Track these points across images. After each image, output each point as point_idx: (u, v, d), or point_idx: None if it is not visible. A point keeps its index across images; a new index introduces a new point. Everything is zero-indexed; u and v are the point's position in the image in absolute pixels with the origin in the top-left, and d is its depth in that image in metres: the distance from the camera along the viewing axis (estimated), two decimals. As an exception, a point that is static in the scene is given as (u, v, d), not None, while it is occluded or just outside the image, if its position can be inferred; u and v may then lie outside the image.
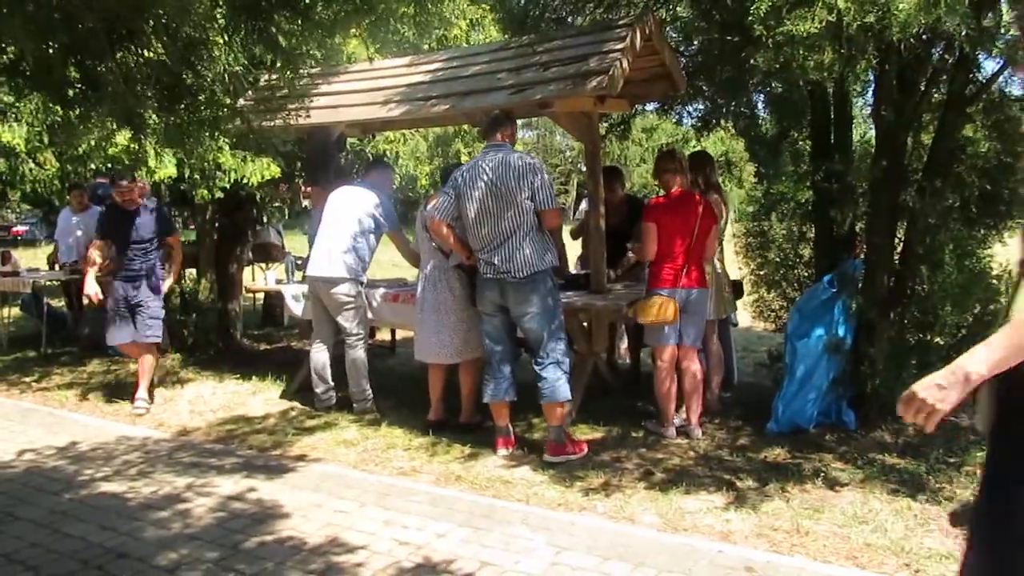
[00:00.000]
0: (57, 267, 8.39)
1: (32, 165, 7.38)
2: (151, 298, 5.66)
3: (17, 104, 3.83)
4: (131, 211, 5.64)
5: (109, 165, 6.07)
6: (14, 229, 25.27)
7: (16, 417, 5.48)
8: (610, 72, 4.41)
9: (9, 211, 24.81)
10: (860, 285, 4.56)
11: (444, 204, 4.43)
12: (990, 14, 3.36)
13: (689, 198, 4.61)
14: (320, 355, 5.40)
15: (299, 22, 2.89)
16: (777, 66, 3.38)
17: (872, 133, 5.08)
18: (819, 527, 3.37)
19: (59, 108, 3.20)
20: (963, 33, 3.10)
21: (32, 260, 11.18)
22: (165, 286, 5.89)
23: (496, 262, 4.26)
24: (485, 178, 4.26)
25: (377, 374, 5.67)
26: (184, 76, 3.03)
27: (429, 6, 2.92)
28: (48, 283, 8.39)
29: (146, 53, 2.99)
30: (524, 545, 3.26)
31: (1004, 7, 2.89)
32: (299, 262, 6.44)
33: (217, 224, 7.65)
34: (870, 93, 4.87)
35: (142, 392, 5.64)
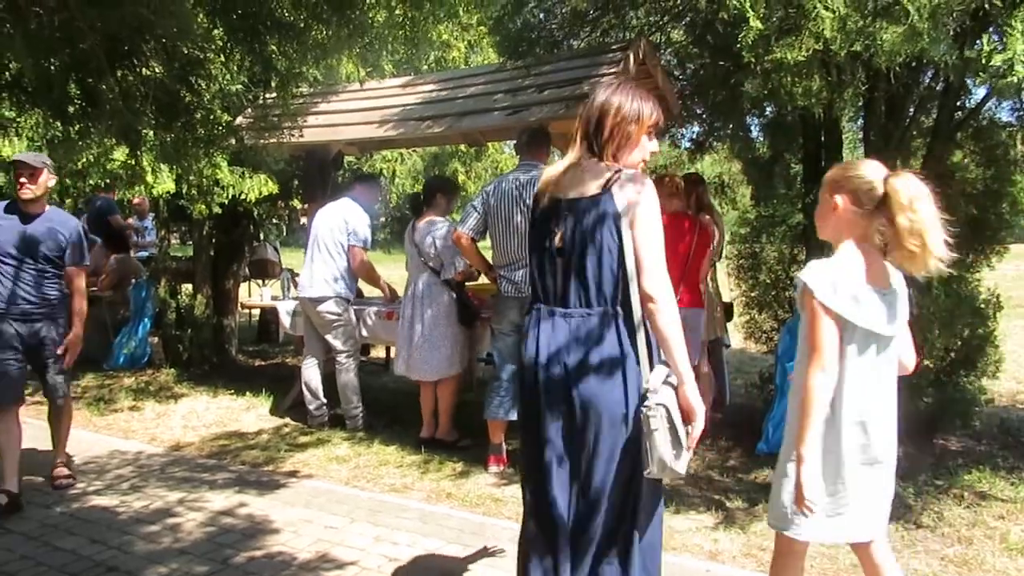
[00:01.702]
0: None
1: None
2: (55, 343, 4.12)
3: (18, 119, 3.88)
4: (32, 213, 4.04)
5: (107, 181, 6.11)
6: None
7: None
8: (604, 95, 4.47)
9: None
10: (850, 308, 4.59)
11: (470, 218, 4.44)
12: (976, 43, 3.43)
13: (681, 221, 4.68)
14: (311, 372, 5.42)
15: (294, 44, 2.95)
16: (766, 92, 3.45)
17: (862, 156, 5.15)
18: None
19: (59, 124, 3.25)
20: (948, 63, 3.16)
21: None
22: (67, 355, 4.16)
23: (519, 281, 4.28)
24: (515, 197, 4.29)
25: (370, 391, 5.69)
26: (181, 94, 3.09)
27: (419, 31, 2.98)
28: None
29: (144, 71, 3.05)
30: (513, 563, 3.27)
31: (985, 38, 2.96)
32: (295, 278, 6.48)
33: (214, 240, 7.69)
34: (861, 119, 4.94)
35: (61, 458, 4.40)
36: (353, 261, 5.33)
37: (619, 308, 2.16)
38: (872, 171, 2.15)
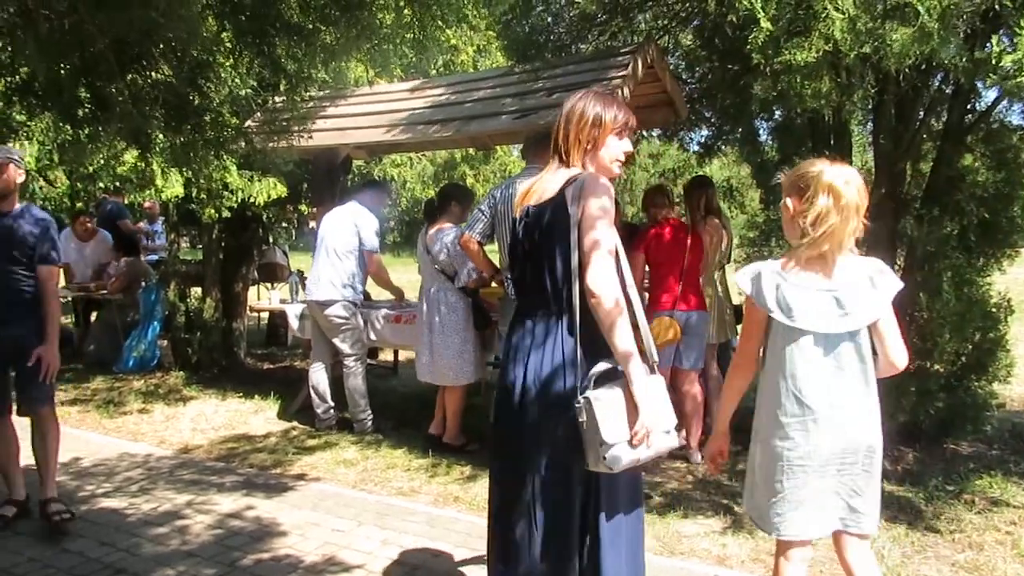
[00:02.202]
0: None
1: (43, 183, 7.49)
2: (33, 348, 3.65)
3: (29, 123, 3.90)
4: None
5: (117, 184, 6.14)
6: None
7: (18, 432, 5.49)
8: (612, 98, 4.47)
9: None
10: (860, 311, 4.57)
11: (477, 223, 4.43)
12: (987, 45, 3.42)
13: (677, 228, 4.71)
14: (319, 375, 5.43)
15: (302, 46, 2.96)
16: (775, 94, 3.44)
17: (871, 160, 5.13)
18: (815, 553, 3.36)
19: (69, 127, 3.26)
20: (958, 65, 3.14)
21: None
22: (47, 353, 3.65)
23: None
24: None
25: (379, 394, 5.69)
26: (191, 97, 3.09)
27: (428, 33, 2.99)
28: (55, 300, 8.45)
29: (154, 75, 3.06)
30: (520, 566, 3.26)
31: (995, 39, 2.94)
32: (304, 282, 6.49)
33: (223, 243, 7.71)
34: (871, 122, 4.92)
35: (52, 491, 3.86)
36: (370, 267, 5.40)
37: (565, 307, 2.22)
38: (812, 166, 2.15)
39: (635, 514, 2.34)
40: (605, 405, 2.10)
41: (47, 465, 3.86)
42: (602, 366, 2.16)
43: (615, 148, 2.31)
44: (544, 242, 2.26)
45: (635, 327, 2.19)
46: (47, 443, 3.89)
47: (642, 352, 2.20)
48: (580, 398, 2.13)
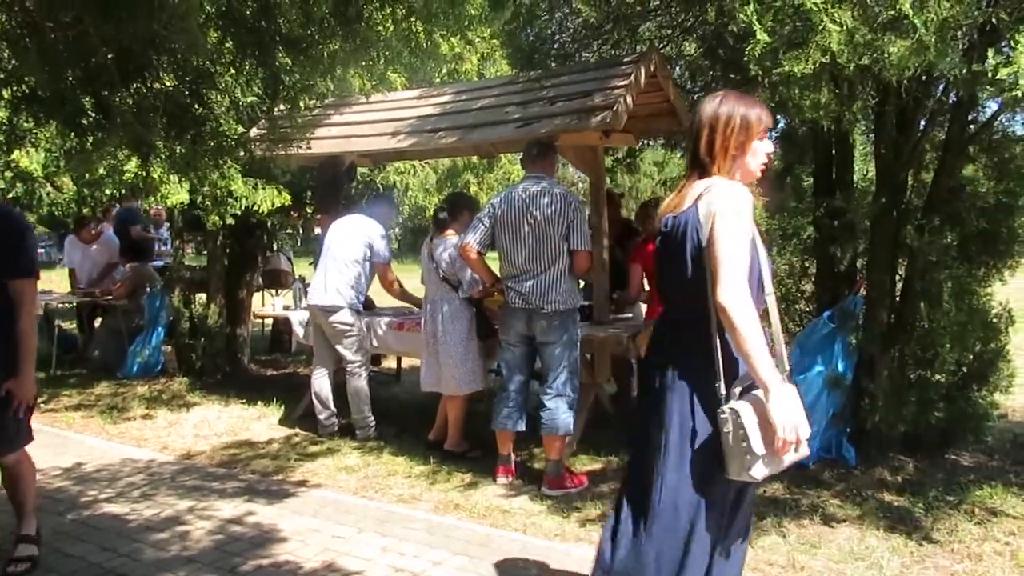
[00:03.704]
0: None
1: (49, 189, 7.55)
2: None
3: (35, 131, 3.94)
4: None
5: (122, 191, 6.19)
6: (30, 251, 25.51)
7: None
8: (614, 108, 4.50)
9: (26, 233, 25.09)
10: (861, 321, 4.58)
11: (477, 231, 4.42)
12: (988, 56, 3.43)
13: None
14: (321, 381, 5.46)
15: (302, 58, 2.99)
16: (774, 105, 3.45)
17: (873, 168, 5.13)
18: (815, 562, 3.36)
19: (73, 136, 3.30)
20: (957, 76, 3.16)
21: (47, 282, 11.31)
22: (19, 387, 3.17)
23: (526, 293, 4.26)
24: (523, 208, 4.27)
25: (381, 401, 5.71)
26: (192, 107, 3.13)
27: (429, 45, 3.02)
28: (60, 305, 8.51)
29: (156, 84, 3.10)
30: (519, 575, 3.27)
31: (991, 52, 2.95)
32: (307, 288, 6.52)
33: (228, 250, 7.76)
34: (872, 131, 4.92)
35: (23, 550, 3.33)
36: (384, 279, 5.49)
37: (701, 317, 2.20)
38: None
39: (748, 533, 2.38)
40: (750, 416, 2.10)
41: (19, 499, 3.38)
42: (744, 377, 2.16)
43: (760, 151, 2.28)
44: (679, 253, 2.24)
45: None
46: (19, 488, 3.36)
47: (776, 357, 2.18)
48: (726, 408, 2.12)
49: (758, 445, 2.08)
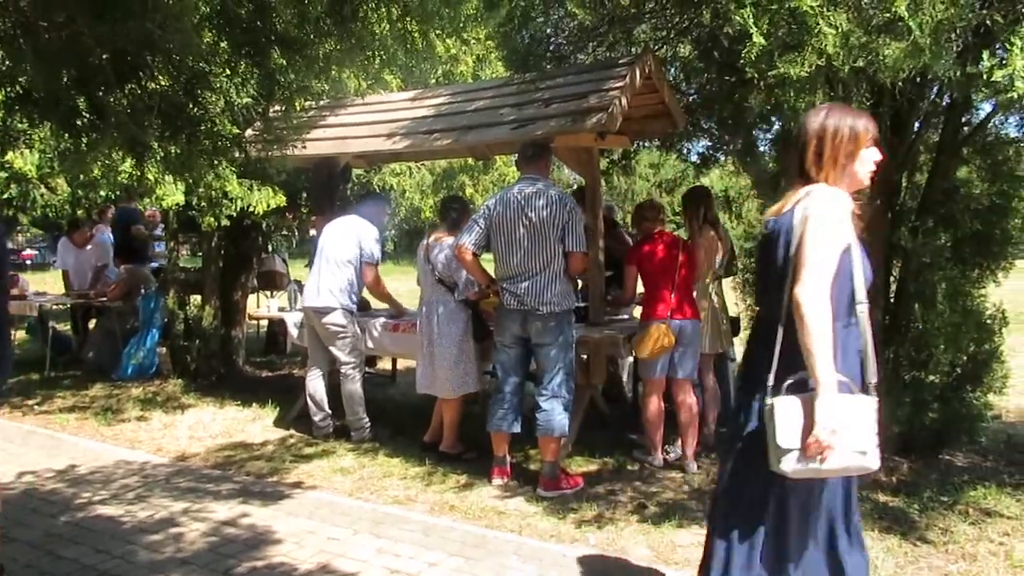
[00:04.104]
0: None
1: (44, 190, 7.52)
2: None
3: (30, 131, 3.93)
4: None
5: (117, 192, 6.17)
6: (23, 253, 25.48)
7: (17, 439, 5.52)
8: (609, 110, 4.51)
9: (20, 235, 25.03)
10: (855, 322, 4.59)
11: (472, 232, 4.40)
12: (983, 58, 3.44)
13: (668, 240, 4.76)
14: (316, 383, 5.45)
15: (298, 58, 2.99)
16: (770, 107, 3.46)
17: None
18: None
19: (68, 136, 3.29)
20: (952, 79, 3.17)
21: (41, 284, 11.30)
22: None
23: (521, 294, 4.26)
24: (519, 210, 4.27)
25: (376, 403, 5.71)
26: (187, 107, 3.12)
27: (423, 45, 3.02)
28: (54, 307, 8.49)
29: (151, 85, 3.09)
30: (514, 574, 3.27)
31: (986, 54, 2.96)
32: (302, 290, 6.51)
33: (223, 251, 7.74)
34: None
35: None
36: (366, 278, 5.44)
37: (778, 314, 2.27)
38: None
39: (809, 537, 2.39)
40: (786, 411, 2.18)
41: None
42: (799, 375, 2.20)
43: (868, 159, 2.33)
44: (773, 254, 2.32)
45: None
46: None
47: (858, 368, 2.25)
48: (767, 401, 2.23)
49: (784, 439, 2.16)
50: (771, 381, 2.24)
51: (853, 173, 2.32)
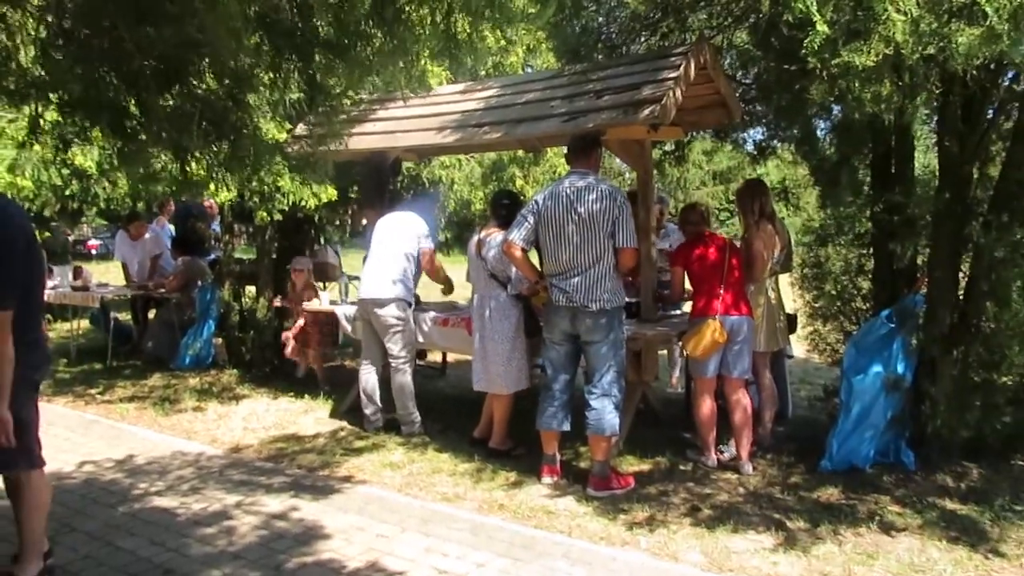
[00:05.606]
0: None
1: (105, 184, 7.69)
2: None
3: (83, 132, 4.01)
4: None
5: (174, 187, 6.26)
6: (88, 243, 26.24)
7: (79, 428, 5.68)
8: (663, 101, 4.38)
9: (85, 225, 25.80)
10: (921, 321, 4.41)
11: (521, 228, 4.33)
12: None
13: (712, 240, 4.70)
14: (369, 376, 5.47)
15: (340, 61, 2.96)
16: (832, 98, 3.31)
17: (935, 160, 4.93)
18: (872, 574, 3.24)
19: (118, 139, 3.32)
20: (1030, 64, 2.99)
21: (105, 274, 11.61)
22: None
23: (570, 291, 4.19)
24: (568, 205, 4.19)
25: (426, 397, 5.71)
26: (229, 112, 3.11)
27: (468, 41, 2.95)
28: (116, 298, 8.72)
29: (195, 89, 3.09)
30: (563, 579, 3.22)
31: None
32: (356, 282, 6.53)
33: (276, 244, 7.83)
34: (935, 121, 4.72)
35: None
36: (424, 262, 5.52)
37: None
38: None
39: None
40: None
41: (23, 536, 3.10)
42: None
43: None
44: None
45: None
46: (21, 511, 3.09)
47: None
48: None
49: None
50: None
51: None
